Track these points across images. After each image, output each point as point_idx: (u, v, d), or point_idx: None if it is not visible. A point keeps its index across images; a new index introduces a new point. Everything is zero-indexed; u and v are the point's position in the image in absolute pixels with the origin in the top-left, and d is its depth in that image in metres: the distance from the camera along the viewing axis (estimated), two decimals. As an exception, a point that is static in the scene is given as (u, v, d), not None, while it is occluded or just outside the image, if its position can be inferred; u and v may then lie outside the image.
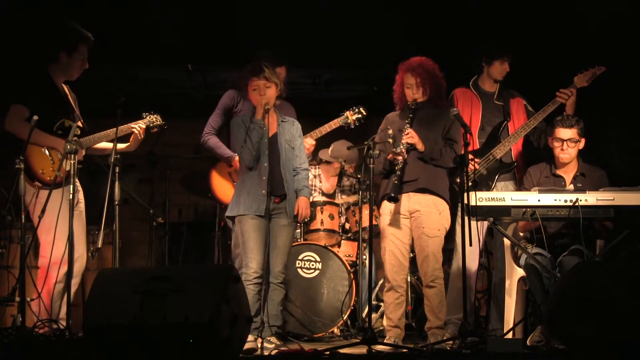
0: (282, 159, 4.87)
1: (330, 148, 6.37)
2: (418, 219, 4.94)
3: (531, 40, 6.00)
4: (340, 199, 6.50)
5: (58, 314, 4.70)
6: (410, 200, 4.95)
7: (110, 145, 5.00)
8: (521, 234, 5.09)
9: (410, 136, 4.91)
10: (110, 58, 5.22)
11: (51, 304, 4.66)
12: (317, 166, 6.54)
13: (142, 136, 5.08)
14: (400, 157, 4.89)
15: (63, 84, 4.99)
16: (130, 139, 5.08)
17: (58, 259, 4.62)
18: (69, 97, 5.01)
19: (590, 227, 4.83)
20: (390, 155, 4.93)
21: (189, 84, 7.07)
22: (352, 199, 6.43)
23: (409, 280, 5.68)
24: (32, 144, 4.66)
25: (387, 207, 5.02)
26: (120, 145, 4.93)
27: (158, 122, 5.24)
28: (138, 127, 5.05)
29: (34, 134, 4.60)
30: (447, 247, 5.09)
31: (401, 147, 4.90)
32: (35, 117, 4.56)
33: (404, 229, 4.98)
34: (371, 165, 4.70)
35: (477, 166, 5.26)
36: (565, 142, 4.98)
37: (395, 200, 4.90)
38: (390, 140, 4.94)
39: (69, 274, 4.51)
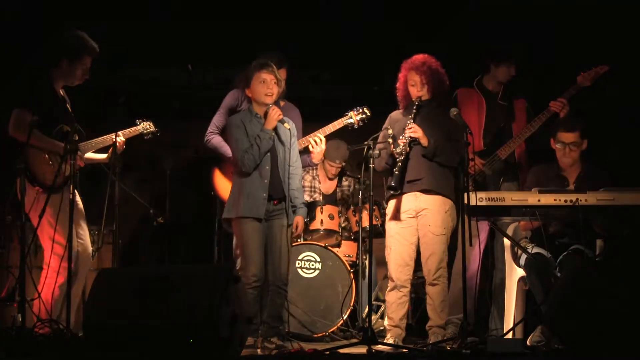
0: (280, 160, 4.83)
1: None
2: (425, 217, 4.94)
3: (534, 40, 6.00)
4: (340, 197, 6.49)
5: (60, 314, 4.70)
6: (417, 200, 4.96)
7: (94, 155, 5.01)
8: (523, 233, 5.09)
9: (414, 130, 4.91)
10: (110, 58, 5.21)
11: (53, 305, 4.66)
12: (314, 167, 6.52)
13: (122, 148, 5.03)
14: (402, 147, 4.89)
15: (61, 89, 4.98)
16: (109, 151, 4.99)
17: (59, 261, 4.63)
18: (67, 101, 5.00)
19: (590, 228, 4.83)
20: (392, 148, 4.93)
21: (189, 84, 7.07)
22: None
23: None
24: (32, 147, 4.64)
25: (392, 206, 5.02)
26: (100, 156, 4.98)
27: (151, 129, 5.25)
28: (119, 140, 4.99)
29: (35, 138, 4.59)
30: (449, 246, 5.08)
31: (401, 144, 4.90)
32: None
33: (410, 229, 4.98)
34: (371, 165, 4.70)
35: (481, 167, 5.26)
36: (568, 146, 4.97)
37: (394, 189, 4.90)
38: (390, 141, 4.94)
39: (69, 274, 4.50)
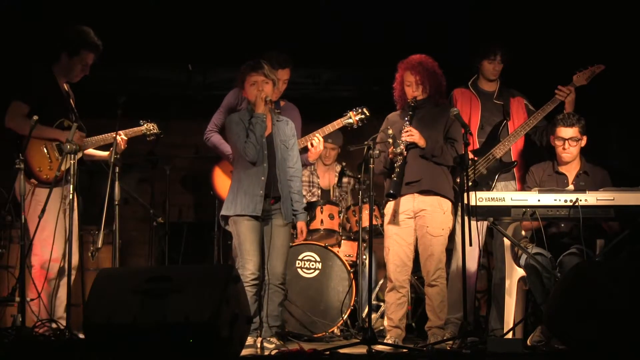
0: (278, 159, 4.85)
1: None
2: (423, 218, 4.94)
3: (531, 38, 6.00)
4: (341, 199, 6.48)
5: (52, 313, 4.69)
6: (415, 200, 4.96)
7: (96, 152, 5.04)
8: (523, 233, 5.09)
9: (410, 134, 4.91)
10: (110, 58, 5.22)
11: (47, 304, 4.66)
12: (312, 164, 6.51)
13: (124, 146, 5.04)
14: (400, 157, 4.89)
15: (65, 84, 4.99)
16: (110, 149, 4.97)
17: (49, 257, 4.63)
18: (70, 97, 5.01)
19: (593, 227, 4.82)
20: (390, 151, 4.92)
21: (189, 84, 7.07)
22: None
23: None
24: (33, 137, 4.66)
25: (391, 207, 5.02)
26: (102, 153, 5.00)
27: (154, 131, 5.27)
28: (121, 138, 5.00)
29: (36, 129, 4.61)
30: (447, 247, 5.08)
31: (401, 144, 4.90)
32: (35, 117, 4.57)
33: (408, 229, 4.98)
34: (371, 165, 4.70)
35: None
36: (567, 141, 4.98)
37: (394, 197, 4.90)
38: (390, 141, 4.94)
39: (69, 274, 4.50)
